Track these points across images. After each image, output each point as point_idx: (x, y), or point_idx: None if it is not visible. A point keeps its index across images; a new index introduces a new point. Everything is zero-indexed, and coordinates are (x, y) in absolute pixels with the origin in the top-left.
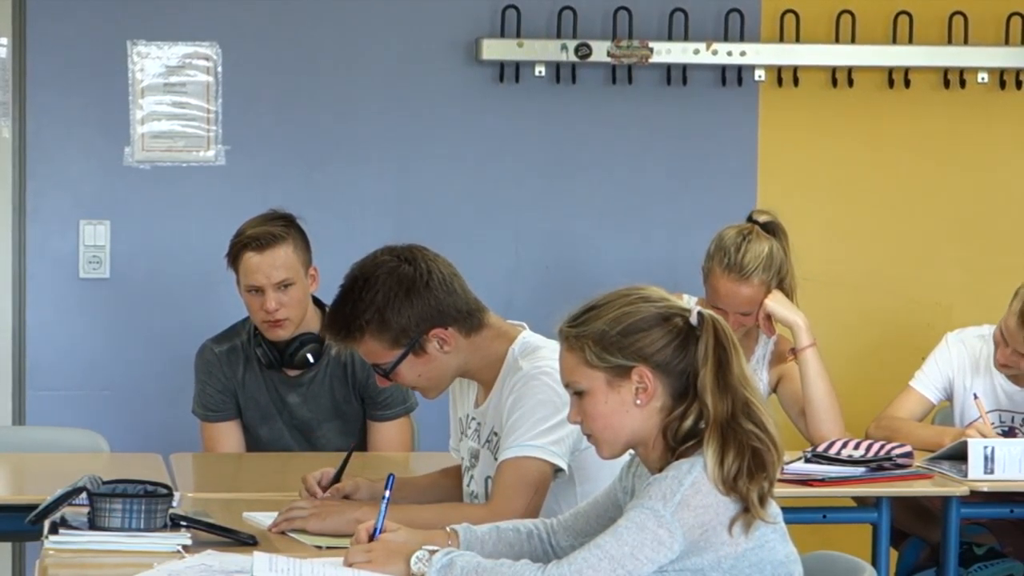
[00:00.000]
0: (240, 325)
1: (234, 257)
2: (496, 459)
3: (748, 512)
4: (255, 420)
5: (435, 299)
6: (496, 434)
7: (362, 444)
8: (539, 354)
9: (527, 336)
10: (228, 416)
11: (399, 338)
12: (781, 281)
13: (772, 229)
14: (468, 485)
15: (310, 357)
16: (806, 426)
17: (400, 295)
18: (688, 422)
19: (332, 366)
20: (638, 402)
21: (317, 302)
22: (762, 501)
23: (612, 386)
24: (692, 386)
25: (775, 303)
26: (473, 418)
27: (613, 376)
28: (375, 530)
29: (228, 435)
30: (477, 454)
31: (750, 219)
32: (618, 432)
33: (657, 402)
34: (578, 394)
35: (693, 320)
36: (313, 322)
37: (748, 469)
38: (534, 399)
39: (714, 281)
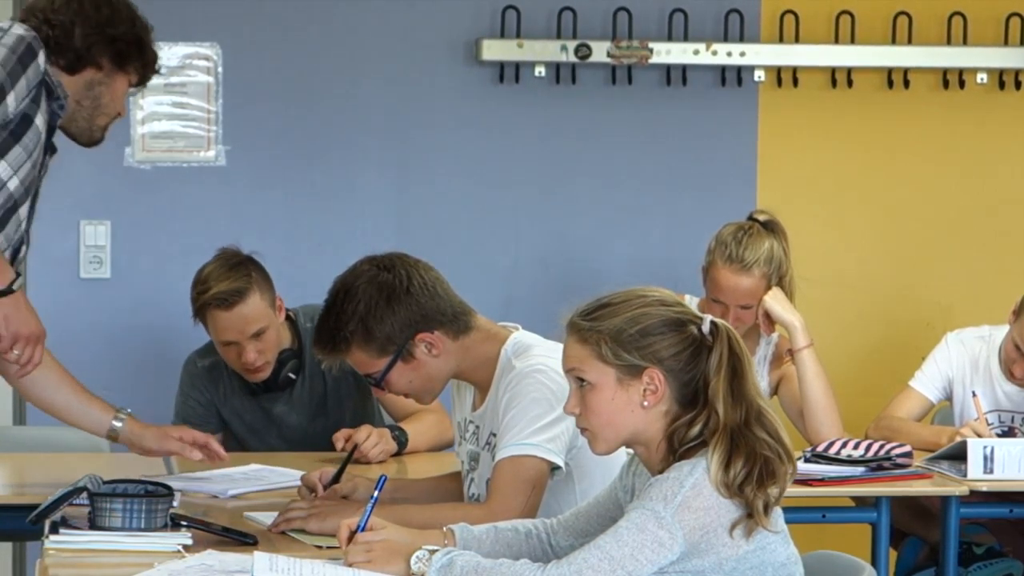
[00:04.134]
0: None
1: (200, 314)
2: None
3: (751, 518)
4: (243, 433)
5: (417, 304)
6: (495, 435)
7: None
8: (532, 352)
9: (519, 336)
10: (208, 431)
11: (386, 346)
12: (780, 280)
13: (772, 228)
14: (469, 489)
15: (292, 376)
16: (804, 427)
17: (381, 303)
18: (696, 429)
19: (310, 369)
20: (645, 403)
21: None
22: (767, 509)
23: (622, 384)
24: (701, 395)
25: (773, 301)
26: (471, 422)
27: (624, 374)
28: (358, 527)
29: None
30: (477, 457)
31: (750, 218)
32: (619, 430)
33: (663, 406)
34: (581, 385)
35: (705, 329)
36: (286, 338)
37: (758, 477)
38: (528, 397)
39: (715, 274)
